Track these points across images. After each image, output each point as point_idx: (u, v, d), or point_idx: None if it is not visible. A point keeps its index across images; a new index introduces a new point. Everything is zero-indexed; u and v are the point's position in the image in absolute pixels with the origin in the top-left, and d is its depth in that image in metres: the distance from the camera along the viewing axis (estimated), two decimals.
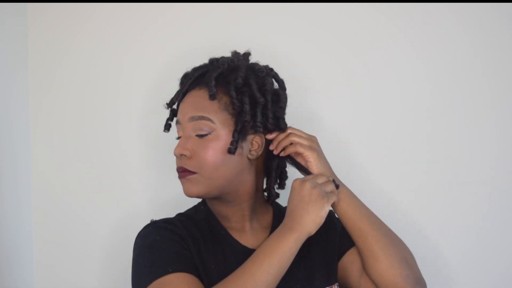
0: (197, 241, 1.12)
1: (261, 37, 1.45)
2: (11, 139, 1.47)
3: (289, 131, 1.14)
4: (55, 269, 1.53)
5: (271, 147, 1.14)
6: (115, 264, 1.50)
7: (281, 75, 1.20)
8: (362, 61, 1.47)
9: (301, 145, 1.13)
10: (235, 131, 1.08)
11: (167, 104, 1.16)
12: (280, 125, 1.13)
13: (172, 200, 1.34)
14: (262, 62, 1.18)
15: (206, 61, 1.18)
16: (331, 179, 1.10)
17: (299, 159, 1.15)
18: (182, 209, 1.21)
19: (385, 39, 1.46)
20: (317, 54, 1.48)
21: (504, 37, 1.44)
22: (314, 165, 1.12)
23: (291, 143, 1.13)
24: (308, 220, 1.02)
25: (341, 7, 1.47)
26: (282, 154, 1.14)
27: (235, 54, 1.18)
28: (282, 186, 1.22)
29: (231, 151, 1.08)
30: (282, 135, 1.14)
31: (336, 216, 1.21)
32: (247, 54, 1.19)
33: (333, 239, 1.19)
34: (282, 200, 1.21)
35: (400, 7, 1.46)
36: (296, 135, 1.13)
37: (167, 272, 1.03)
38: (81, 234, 1.53)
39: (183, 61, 1.21)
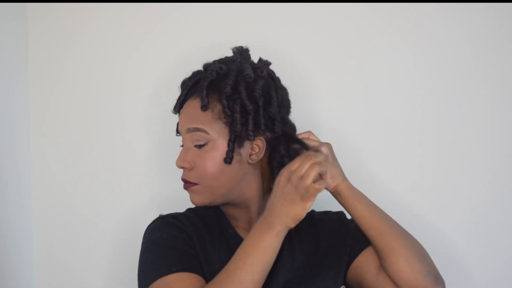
0: (203, 239, 1.12)
1: (263, 37, 1.44)
2: (12, 140, 1.47)
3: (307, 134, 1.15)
4: (56, 269, 1.54)
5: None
6: (117, 263, 1.51)
7: (281, 75, 1.19)
8: (360, 61, 1.46)
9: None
10: (229, 140, 1.08)
11: (173, 109, 1.17)
12: (274, 129, 1.11)
13: (177, 198, 1.34)
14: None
15: (210, 61, 1.16)
16: (319, 159, 1.04)
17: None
18: (187, 207, 1.21)
19: (383, 40, 1.46)
20: (317, 54, 1.47)
21: (498, 37, 1.43)
22: (328, 174, 1.06)
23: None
24: (288, 216, 1.01)
25: (340, 7, 1.46)
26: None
27: (235, 51, 1.17)
28: None
29: (227, 161, 1.08)
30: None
31: (348, 217, 1.21)
32: (245, 52, 1.18)
33: (344, 241, 1.18)
34: None
35: (401, 7, 1.45)
36: (311, 135, 1.16)
37: (171, 271, 1.04)
38: (82, 234, 1.53)
39: (187, 62, 1.21)
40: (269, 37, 1.45)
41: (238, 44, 1.18)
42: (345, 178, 1.13)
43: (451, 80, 1.45)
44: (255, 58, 1.21)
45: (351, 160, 1.41)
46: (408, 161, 1.46)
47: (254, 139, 1.09)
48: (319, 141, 1.15)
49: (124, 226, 1.51)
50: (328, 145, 1.15)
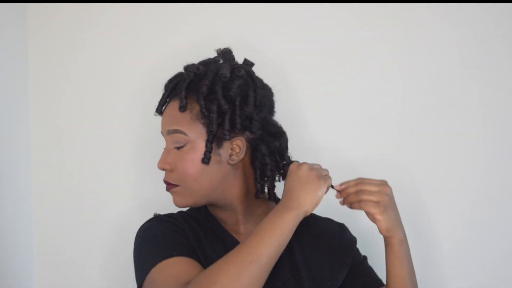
0: (198, 236, 1.13)
1: (251, 38, 1.45)
2: (11, 140, 1.49)
3: (358, 182, 1.08)
4: (54, 269, 1.55)
5: (337, 197, 1.10)
6: (115, 264, 1.52)
7: (270, 76, 1.19)
8: (349, 61, 1.47)
9: (366, 203, 1.06)
10: (207, 141, 1.08)
11: (156, 111, 1.17)
12: (252, 128, 1.10)
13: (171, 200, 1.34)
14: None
15: (196, 62, 1.16)
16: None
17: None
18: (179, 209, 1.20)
19: (371, 40, 1.46)
20: (306, 55, 1.47)
21: (500, 37, 1.43)
22: (382, 222, 1.06)
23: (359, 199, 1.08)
24: (306, 199, 1.02)
25: (328, 7, 1.47)
26: (348, 205, 1.10)
27: (219, 53, 1.17)
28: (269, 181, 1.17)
29: (205, 161, 1.08)
30: (351, 187, 1.08)
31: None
32: (228, 53, 1.18)
33: (342, 258, 1.18)
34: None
35: (389, 7, 1.45)
36: (365, 191, 1.06)
37: (171, 255, 1.04)
38: (81, 234, 1.54)
39: (174, 63, 1.20)
40: (257, 38, 1.46)
41: (225, 45, 1.19)
42: (401, 228, 1.09)
43: (439, 80, 1.45)
44: (250, 59, 1.20)
45: (339, 159, 1.42)
46: (399, 160, 1.46)
47: (229, 139, 1.09)
48: (377, 181, 1.09)
49: (123, 224, 1.52)
50: (385, 189, 1.08)
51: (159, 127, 1.19)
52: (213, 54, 1.18)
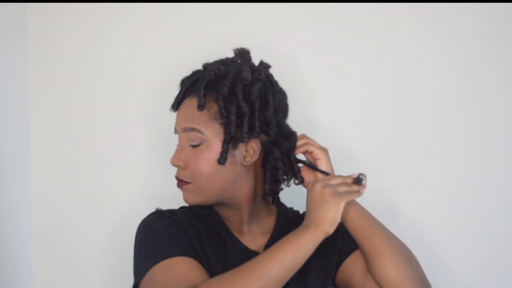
0: (199, 234, 1.13)
1: (264, 38, 1.46)
2: (11, 140, 1.48)
3: (302, 136, 1.17)
4: (54, 269, 1.54)
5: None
6: (115, 263, 1.52)
7: (280, 75, 1.19)
8: (360, 63, 1.48)
9: (312, 144, 1.15)
10: (224, 141, 1.08)
11: (171, 107, 1.17)
12: (269, 132, 1.11)
13: (172, 198, 1.34)
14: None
15: (209, 60, 1.15)
16: (348, 179, 1.09)
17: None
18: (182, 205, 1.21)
19: (382, 41, 1.48)
20: (317, 55, 1.49)
21: (498, 36, 1.45)
22: (323, 162, 1.14)
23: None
24: (323, 220, 1.02)
25: (339, 7, 1.48)
26: (296, 152, 1.16)
27: (236, 53, 1.16)
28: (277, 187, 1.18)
29: (221, 162, 1.08)
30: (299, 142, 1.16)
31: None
32: (246, 53, 1.17)
33: (333, 244, 1.17)
34: (288, 202, 1.24)
35: (400, 8, 1.47)
36: (308, 137, 1.17)
37: (172, 255, 1.04)
38: (80, 234, 1.54)
39: (188, 60, 1.21)
40: (270, 38, 1.47)
41: (239, 45, 1.18)
42: None
43: (449, 81, 1.47)
44: (257, 59, 1.20)
45: (349, 161, 1.43)
46: (408, 162, 1.47)
47: (248, 142, 1.10)
48: (319, 146, 1.16)
49: (122, 223, 1.52)
50: (326, 150, 1.17)
51: (164, 124, 1.20)
52: (223, 54, 1.17)
